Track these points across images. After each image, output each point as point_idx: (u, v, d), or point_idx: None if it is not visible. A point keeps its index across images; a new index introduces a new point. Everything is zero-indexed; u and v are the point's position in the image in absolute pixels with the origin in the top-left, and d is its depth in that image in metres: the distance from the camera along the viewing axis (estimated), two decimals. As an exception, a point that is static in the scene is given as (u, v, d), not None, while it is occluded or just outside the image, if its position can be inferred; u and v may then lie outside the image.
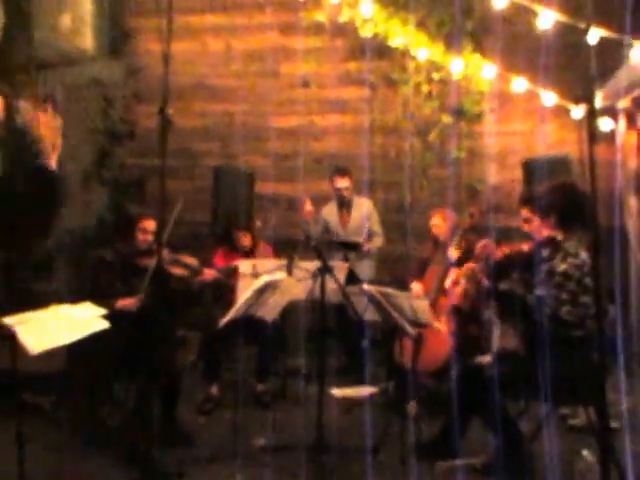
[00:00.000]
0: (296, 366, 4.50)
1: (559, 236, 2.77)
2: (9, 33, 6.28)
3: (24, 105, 5.52)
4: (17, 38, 6.29)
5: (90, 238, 5.71)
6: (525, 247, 2.87)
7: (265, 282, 2.95)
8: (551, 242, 2.77)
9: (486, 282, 2.99)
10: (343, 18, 5.20)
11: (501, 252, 2.93)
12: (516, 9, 4.42)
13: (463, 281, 3.42)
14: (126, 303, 3.28)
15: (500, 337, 2.97)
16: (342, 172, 4.66)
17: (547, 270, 2.68)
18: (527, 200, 2.92)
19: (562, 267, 2.66)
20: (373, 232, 4.64)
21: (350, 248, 4.48)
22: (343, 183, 4.61)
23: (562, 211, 2.78)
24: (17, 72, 6.19)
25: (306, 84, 5.63)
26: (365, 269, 4.53)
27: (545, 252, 2.74)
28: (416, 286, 4.02)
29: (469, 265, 3.20)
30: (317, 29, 5.52)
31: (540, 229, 2.82)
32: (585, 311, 2.61)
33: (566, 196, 2.80)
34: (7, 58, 6.19)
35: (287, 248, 4.41)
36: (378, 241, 4.65)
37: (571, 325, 2.62)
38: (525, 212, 2.90)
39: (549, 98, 4.78)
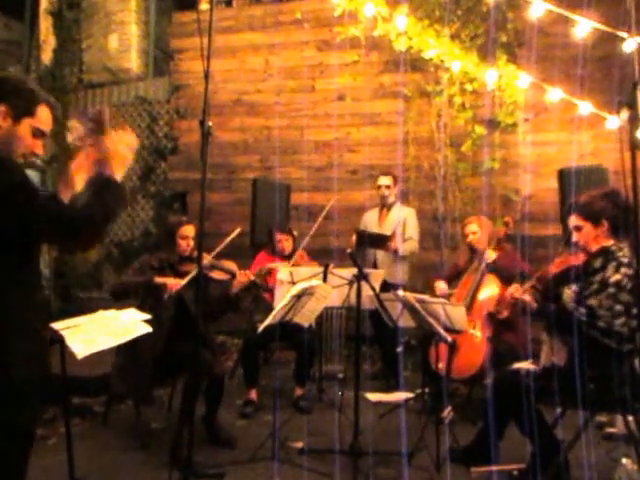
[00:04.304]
0: (332, 371, 4.57)
1: (612, 245, 2.66)
2: (60, 56, 6.65)
3: (75, 124, 5.76)
4: (67, 60, 6.65)
5: (136, 249, 5.94)
6: (576, 260, 2.75)
7: (302, 288, 3.00)
8: (604, 251, 2.66)
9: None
10: (378, 32, 5.20)
11: (554, 269, 2.84)
12: (551, 19, 4.40)
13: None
14: (166, 281, 3.26)
15: (548, 352, 2.87)
16: (385, 172, 4.77)
17: (600, 280, 2.58)
18: (578, 207, 2.74)
19: (615, 277, 2.54)
20: (408, 237, 4.56)
21: (377, 241, 4.41)
22: (384, 181, 4.65)
23: (614, 217, 2.66)
24: (67, 92, 6.53)
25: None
26: (399, 273, 4.51)
27: (597, 263, 2.64)
28: (441, 284, 4.02)
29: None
30: (352, 44, 5.57)
31: (592, 237, 2.70)
32: (637, 322, 2.47)
33: (616, 202, 2.67)
34: (58, 79, 6.54)
35: (322, 256, 4.50)
36: (412, 245, 4.54)
37: (623, 338, 2.51)
38: (576, 219, 2.73)
39: (585, 107, 4.69)
